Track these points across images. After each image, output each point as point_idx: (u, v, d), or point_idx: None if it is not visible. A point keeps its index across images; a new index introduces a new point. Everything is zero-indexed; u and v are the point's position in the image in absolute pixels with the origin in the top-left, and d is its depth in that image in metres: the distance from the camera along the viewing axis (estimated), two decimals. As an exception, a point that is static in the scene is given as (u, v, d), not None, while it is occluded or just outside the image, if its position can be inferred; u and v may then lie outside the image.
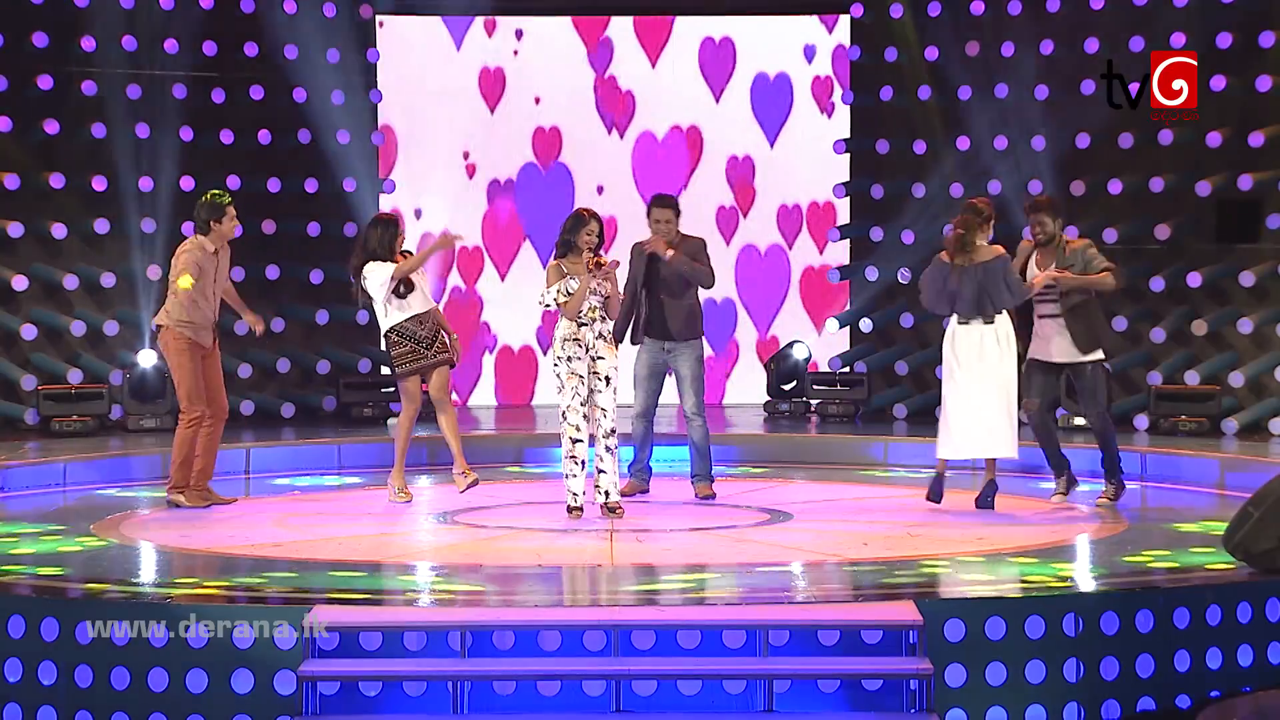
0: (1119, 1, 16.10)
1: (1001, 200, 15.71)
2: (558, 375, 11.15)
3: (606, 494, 11.18)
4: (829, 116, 18.31)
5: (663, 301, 12.01)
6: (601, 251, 11.18)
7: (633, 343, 12.13)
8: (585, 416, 11.12)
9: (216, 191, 11.89)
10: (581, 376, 11.12)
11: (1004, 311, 11.29)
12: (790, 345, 17.54)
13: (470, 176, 18.24)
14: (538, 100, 18.30)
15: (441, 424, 11.91)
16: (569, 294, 11.04)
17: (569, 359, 11.13)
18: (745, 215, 18.51)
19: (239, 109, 16.60)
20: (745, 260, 18.52)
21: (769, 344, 18.30)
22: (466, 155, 18.22)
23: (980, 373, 11.25)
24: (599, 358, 11.13)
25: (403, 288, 11.72)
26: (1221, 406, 15.13)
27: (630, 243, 12.28)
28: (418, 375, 11.85)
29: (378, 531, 11.00)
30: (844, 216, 17.94)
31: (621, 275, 11.54)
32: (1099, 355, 11.61)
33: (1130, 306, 15.91)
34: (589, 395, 11.12)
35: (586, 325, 11.12)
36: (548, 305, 11.14)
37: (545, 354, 17.90)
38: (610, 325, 11.20)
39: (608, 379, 11.14)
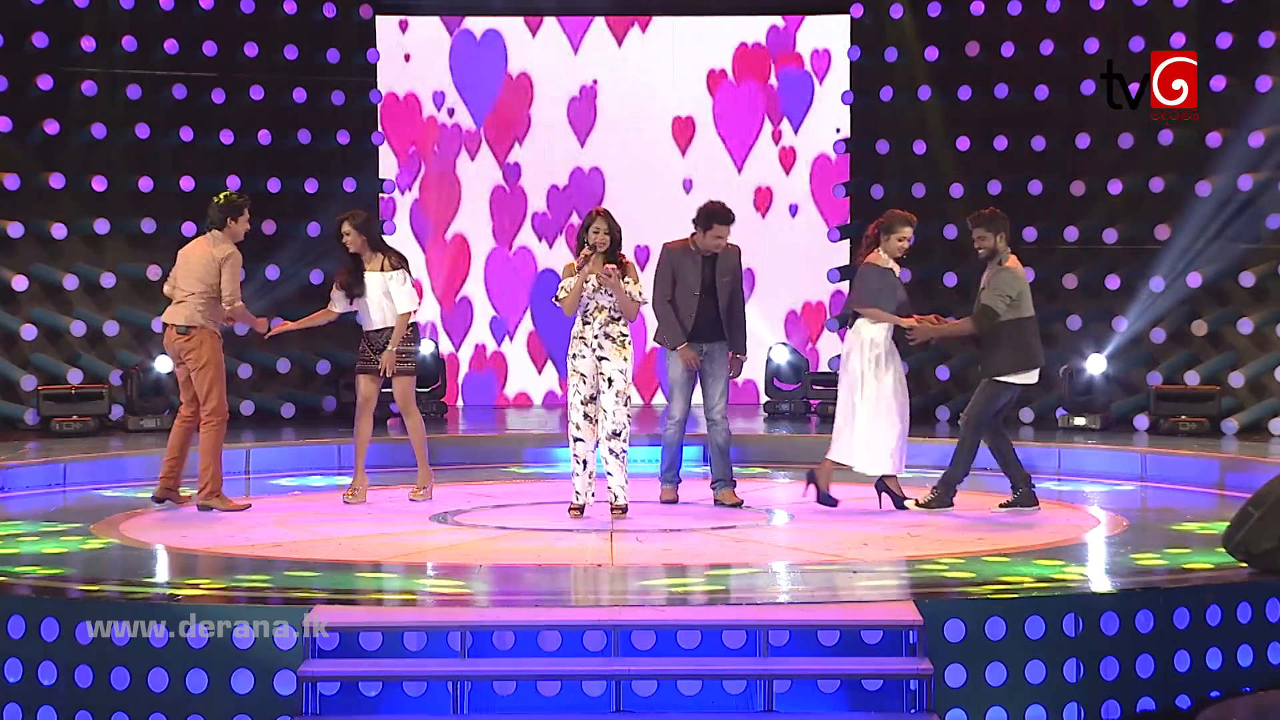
0: (1119, 1, 16.10)
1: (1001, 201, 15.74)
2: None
3: (615, 497, 11.15)
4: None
5: (701, 307, 11.74)
6: (622, 254, 11.05)
7: (673, 348, 11.79)
8: (587, 416, 11.10)
9: (232, 193, 11.88)
10: (584, 375, 11.10)
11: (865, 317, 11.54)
12: (769, 350, 17.46)
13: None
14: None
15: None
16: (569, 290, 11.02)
17: (574, 356, 11.11)
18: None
19: (239, 109, 16.59)
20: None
21: None
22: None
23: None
24: (604, 358, 11.08)
25: (356, 290, 11.90)
26: (1221, 406, 15.12)
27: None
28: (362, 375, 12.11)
29: (378, 531, 10.99)
30: (844, 215, 17.93)
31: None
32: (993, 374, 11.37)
33: (1130, 306, 15.90)
34: (593, 396, 11.11)
35: (590, 324, 11.09)
36: (555, 299, 11.13)
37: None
38: (621, 326, 11.09)
39: (610, 380, 11.07)
